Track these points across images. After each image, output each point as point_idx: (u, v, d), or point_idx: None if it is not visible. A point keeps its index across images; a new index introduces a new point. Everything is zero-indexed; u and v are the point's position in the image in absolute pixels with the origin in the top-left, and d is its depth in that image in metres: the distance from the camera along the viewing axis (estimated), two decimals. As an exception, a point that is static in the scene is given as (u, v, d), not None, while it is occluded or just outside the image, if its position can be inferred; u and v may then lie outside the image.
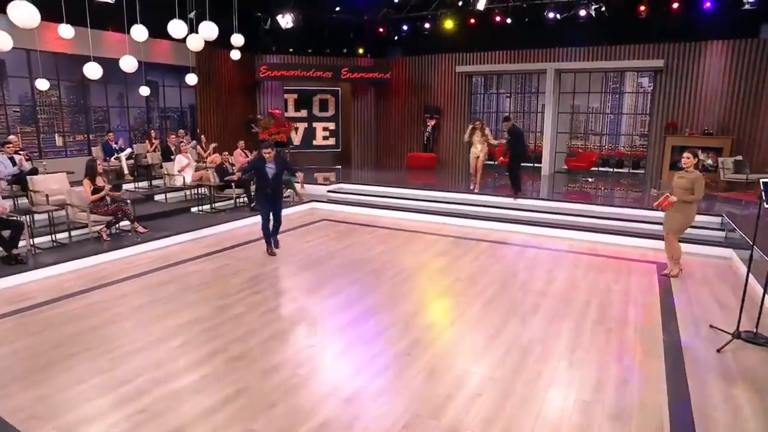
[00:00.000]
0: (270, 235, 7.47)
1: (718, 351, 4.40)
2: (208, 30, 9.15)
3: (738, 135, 12.49)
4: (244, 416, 3.45)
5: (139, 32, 8.58)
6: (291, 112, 17.60)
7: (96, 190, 7.28)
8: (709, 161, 12.02)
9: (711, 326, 4.90)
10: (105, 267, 6.81)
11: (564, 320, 5.13)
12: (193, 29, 9.26)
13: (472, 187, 10.97)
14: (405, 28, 16.15)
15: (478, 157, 10.82)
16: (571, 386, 3.86)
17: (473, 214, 9.65)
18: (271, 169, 7.14)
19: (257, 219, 9.71)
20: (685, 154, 6.24)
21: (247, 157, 11.37)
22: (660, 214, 8.72)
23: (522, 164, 10.58)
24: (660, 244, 7.77)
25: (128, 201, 7.77)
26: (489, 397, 3.69)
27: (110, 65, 9.91)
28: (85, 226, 7.25)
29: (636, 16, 12.48)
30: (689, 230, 8.06)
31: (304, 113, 17.94)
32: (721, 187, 10.98)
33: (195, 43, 9.61)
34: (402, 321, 5.11)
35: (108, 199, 7.47)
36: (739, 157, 11.40)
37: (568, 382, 3.92)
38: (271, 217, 7.38)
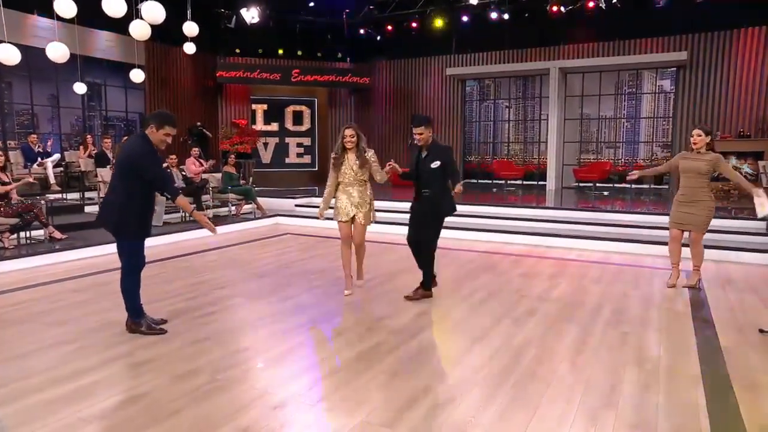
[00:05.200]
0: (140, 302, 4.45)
1: (774, 356, 3.95)
2: (153, 12, 8.93)
3: (782, 136, 12.26)
4: (132, 426, 2.94)
5: (66, 6, 8.27)
6: (260, 125, 17.35)
7: None
8: (747, 168, 11.69)
9: (761, 331, 4.53)
10: (2, 276, 6.28)
11: (567, 323, 4.69)
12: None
13: (347, 293, 5.59)
14: (389, 28, 16.18)
15: (352, 217, 5.48)
16: (574, 390, 3.38)
17: (460, 225, 9.25)
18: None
19: (208, 232, 9.33)
20: (696, 131, 5.72)
21: (202, 165, 11.01)
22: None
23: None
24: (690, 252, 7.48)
25: (42, 201, 7.29)
26: (465, 402, 3.19)
27: (36, 57, 9.59)
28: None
29: (653, 5, 12.47)
30: (727, 236, 7.81)
31: (275, 127, 17.68)
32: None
33: (140, 30, 9.37)
34: (364, 324, 4.65)
35: (15, 198, 7.00)
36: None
37: (571, 386, 3.44)
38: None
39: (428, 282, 5.43)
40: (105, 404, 3.17)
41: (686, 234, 5.90)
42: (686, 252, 5.99)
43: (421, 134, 5.24)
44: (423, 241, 5.36)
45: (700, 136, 5.67)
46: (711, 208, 5.70)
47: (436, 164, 5.19)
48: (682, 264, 6.02)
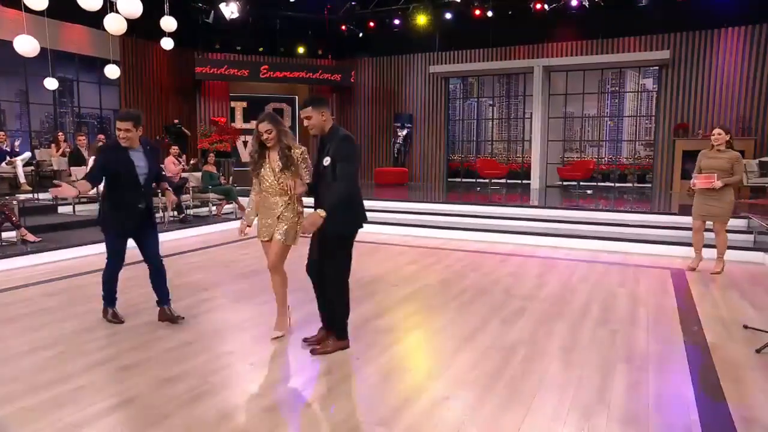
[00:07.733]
0: (113, 294, 4.76)
1: (758, 351, 4.08)
2: (129, 5, 8.80)
3: (762, 134, 12.54)
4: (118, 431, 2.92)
5: (36, -2, 8.09)
6: (239, 123, 17.27)
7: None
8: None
9: (745, 326, 4.66)
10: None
11: (557, 322, 4.77)
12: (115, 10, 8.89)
13: (276, 335, 4.40)
14: (372, 25, 16.20)
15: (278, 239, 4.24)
16: (566, 388, 3.45)
17: (448, 225, 9.35)
18: (141, 163, 4.41)
19: (189, 232, 9.37)
20: (716, 130, 6.31)
21: (181, 165, 10.92)
22: (670, 218, 8.78)
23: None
24: (674, 250, 7.68)
25: (14, 202, 7.18)
26: (459, 401, 3.24)
27: (3, 49, 9.40)
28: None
29: (636, 3, 12.69)
30: (711, 234, 7.97)
31: (254, 125, 17.60)
32: (744, 195, 10.90)
33: (115, 24, 9.25)
34: (352, 325, 4.62)
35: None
36: (766, 158, 11.34)
37: (563, 384, 3.50)
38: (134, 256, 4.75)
39: (342, 327, 4.14)
40: (90, 411, 3.13)
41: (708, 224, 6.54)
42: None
43: (308, 118, 3.85)
44: (327, 274, 4.08)
45: (720, 134, 6.26)
46: (732, 200, 6.36)
47: (326, 161, 3.84)
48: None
